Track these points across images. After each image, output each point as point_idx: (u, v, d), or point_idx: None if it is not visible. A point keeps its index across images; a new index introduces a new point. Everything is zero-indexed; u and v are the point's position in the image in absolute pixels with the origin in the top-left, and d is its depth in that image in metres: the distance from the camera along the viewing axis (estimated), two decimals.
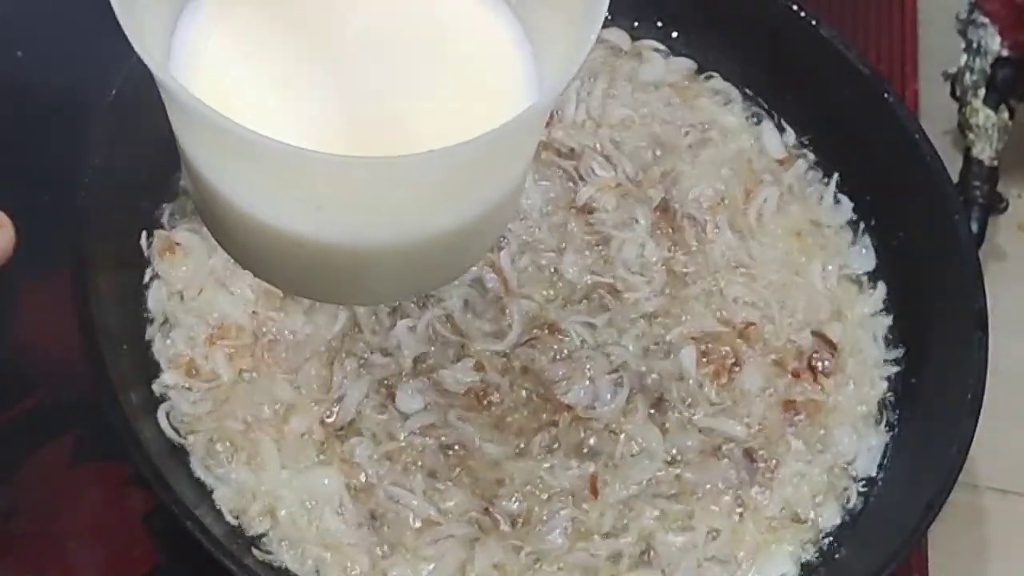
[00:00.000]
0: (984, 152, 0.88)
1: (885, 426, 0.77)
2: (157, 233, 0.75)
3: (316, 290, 0.59)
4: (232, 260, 0.58)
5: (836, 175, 0.83)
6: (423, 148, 0.47)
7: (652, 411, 0.74)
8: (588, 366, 0.74)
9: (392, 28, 0.58)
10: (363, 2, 0.59)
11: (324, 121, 0.54)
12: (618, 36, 0.86)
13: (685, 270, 0.79)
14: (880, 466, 0.75)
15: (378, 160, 0.48)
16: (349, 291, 0.59)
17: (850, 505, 0.74)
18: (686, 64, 0.87)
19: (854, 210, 0.83)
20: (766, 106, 0.85)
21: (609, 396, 0.74)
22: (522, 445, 0.72)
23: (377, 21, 0.58)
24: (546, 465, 0.72)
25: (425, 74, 0.57)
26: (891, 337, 0.79)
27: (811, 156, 0.84)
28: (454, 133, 0.48)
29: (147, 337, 0.73)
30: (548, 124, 0.80)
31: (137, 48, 0.46)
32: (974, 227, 0.85)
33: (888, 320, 0.80)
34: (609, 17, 0.51)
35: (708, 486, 0.73)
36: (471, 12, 0.59)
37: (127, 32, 0.46)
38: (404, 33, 0.58)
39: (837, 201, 0.83)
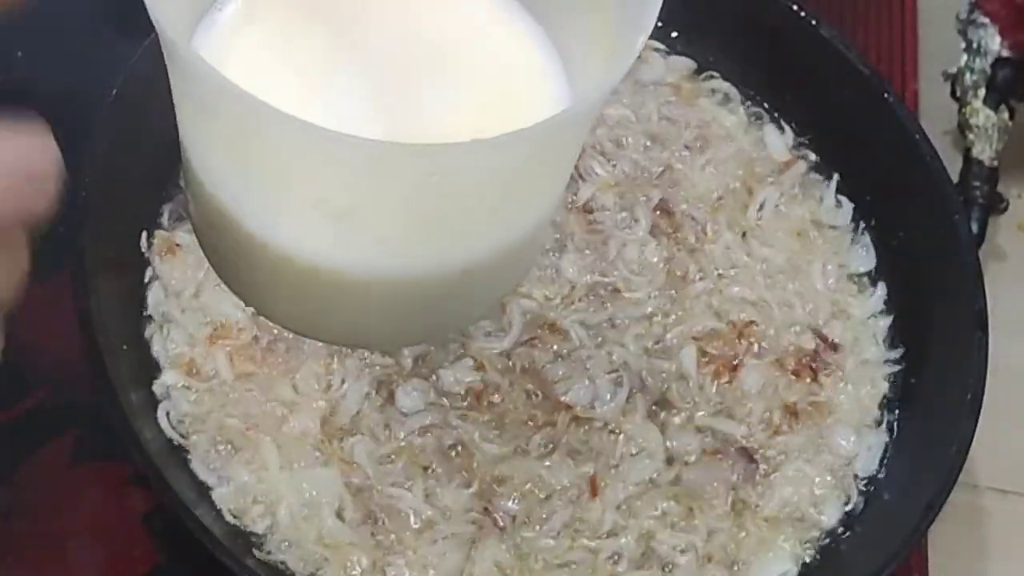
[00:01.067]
0: (984, 152, 0.88)
1: (885, 426, 0.77)
2: (157, 233, 0.75)
3: (333, 327, 0.52)
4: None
5: (836, 175, 0.83)
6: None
7: (652, 411, 0.74)
8: (588, 365, 0.74)
9: (417, 34, 0.55)
10: (390, 5, 0.56)
11: (350, 122, 0.48)
12: None
13: (685, 270, 0.79)
14: (880, 466, 0.75)
15: (417, 147, 0.43)
16: (366, 326, 0.53)
17: (850, 505, 0.74)
18: (686, 64, 0.87)
19: (854, 210, 0.83)
20: (766, 106, 0.85)
21: (609, 396, 0.74)
22: (522, 445, 0.72)
23: (403, 25, 0.56)
24: (546, 464, 0.72)
25: (451, 83, 0.53)
26: (891, 337, 0.79)
27: (812, 156, 0.84)
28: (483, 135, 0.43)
29: (147, 337, 0.73)
30: None
31: (156, 17, 0.42)
32: (974, 227, 0.85)
33: (888, 320, 0.80)
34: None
35: (708, 486, 0.73)
36: (497, 21, 0.56)
37: (148, 4, 0.42)
38: (429, 41, 0.55)
39: (837, 201, 0.83)
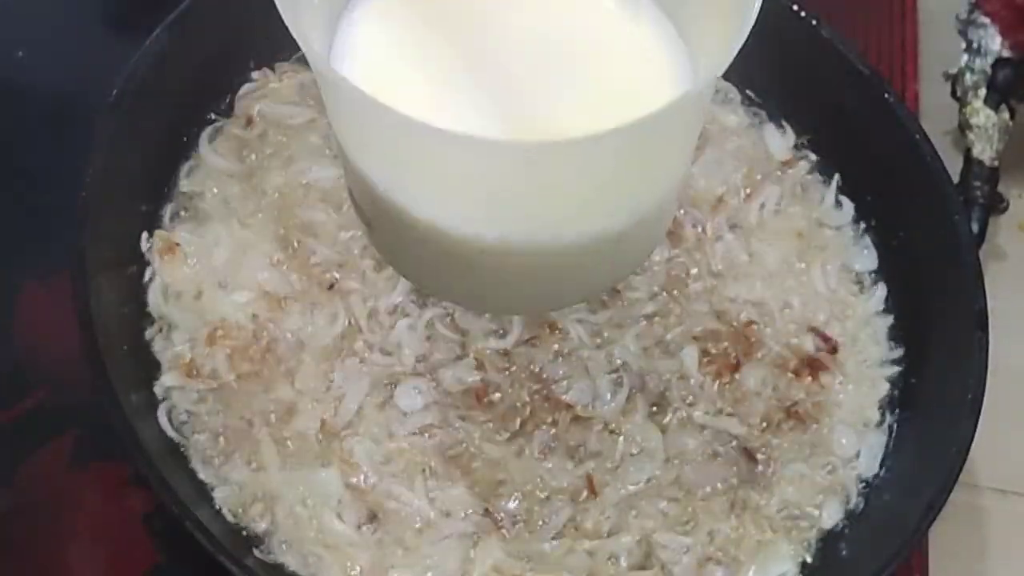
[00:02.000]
0: (984, 152, 0.88)
1: (885, 426, 0.77)
2: (157, 233, 0.75)
3: (501, 300, 0.60)
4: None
5: (836, 175, 0.83)
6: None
7: (652, 410, 0.74)
8: (588, 365, 0.74)
9: (544, 31, 0.60)
10: (515, 5, 0.60)
11: (481, 120, 0.55)
12: None
13: (685, 270, 0.79)
14: (880, 466, 0.75)
15: (555, 144, 0.49)
16: (533, 296, 0.59)
17: (850, 505, 0.74)
18: None
19: (855, 210, 0.83)
20: (766, 106, 0.85)
21: (609, 395, 0.74)
22: (522, 444, 0.72)
23: (530, 23, 0.60)
24: (546, 464, 0.72)
25: (579, 76, 0.59)
26: (891, 337, 0.79)
27: (812, 157, 0.84)
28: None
29: (147, 337, 0.73)
30: None
31: (304, 46, 0.48)
32: (974, 227, 0.85)
33: (888, 320, 0.80)
34: None
35: (708, 486, 0.73)
36: (622, 15, 0.61)
37: (301, 44, 0.48)
38: (558, 37, 0.60)
39: (838, 201, 0.83)
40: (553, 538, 0.70)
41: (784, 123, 0.85)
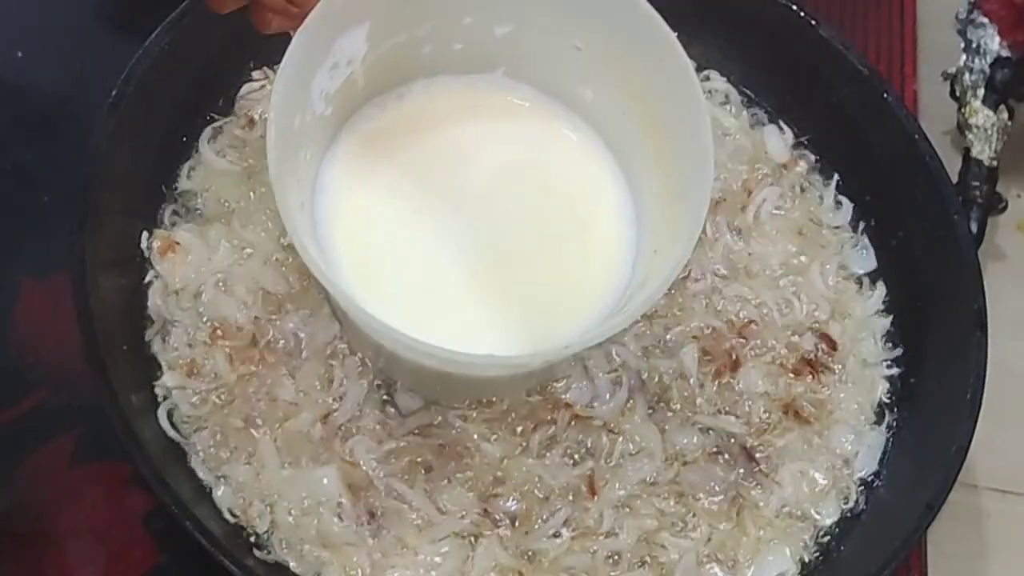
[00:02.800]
0: (983, 152, 0.88)
1: (885, 426, 0.77)
2: (157, 233, 0.75)
3: (454, 396, 0.73)
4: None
5: (836, 175, 0.83)
6: (543, 308, 0.68)
7: (651, 410, 0.74)
8: (588, 365, 0.74)
9: (508, 188, 0.72)
10: (483, 161, 0.72)
11: (450, 274, 0.69)
12: None
13: (685, 269, 0.79)
14: (880, 466, 0.76)
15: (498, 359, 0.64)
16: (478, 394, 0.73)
17: (850, 504, 0.74)
18: None
19: (854, 210, 0.83)
20: (766, 106, 0.85)
21: (608, 395, 0.74)
22: (521, 444, 0.72)
23: (496, 180, 0.72)
24: (545, 464, 0.72)
25: (541, 233, 0.71)
26: (890, 337, 0.79)
27: (812, 157, 0.84)
28: (568, 293, 0.69)
29: (147, 337, 0.73)
30: None
31: (321, 279, 0.61)
32: (973, 227, 0.85)
33: (888, 320, 0.80)
34: None
35: (708, 485, 0.73)
36: (586, 177, 0.73)
37: (306, 261, 0.60)
38: (520, 194, 0.72)
39: (837, 201, 0.83)
40: (552, 537, 0.70)
41: (784, 123, 0.85)
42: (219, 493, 0.69)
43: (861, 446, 0.76)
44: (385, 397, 0.72)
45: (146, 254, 0.75)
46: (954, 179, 0.86)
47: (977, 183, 0.87)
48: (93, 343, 0.67)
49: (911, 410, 0.77)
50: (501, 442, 0.72)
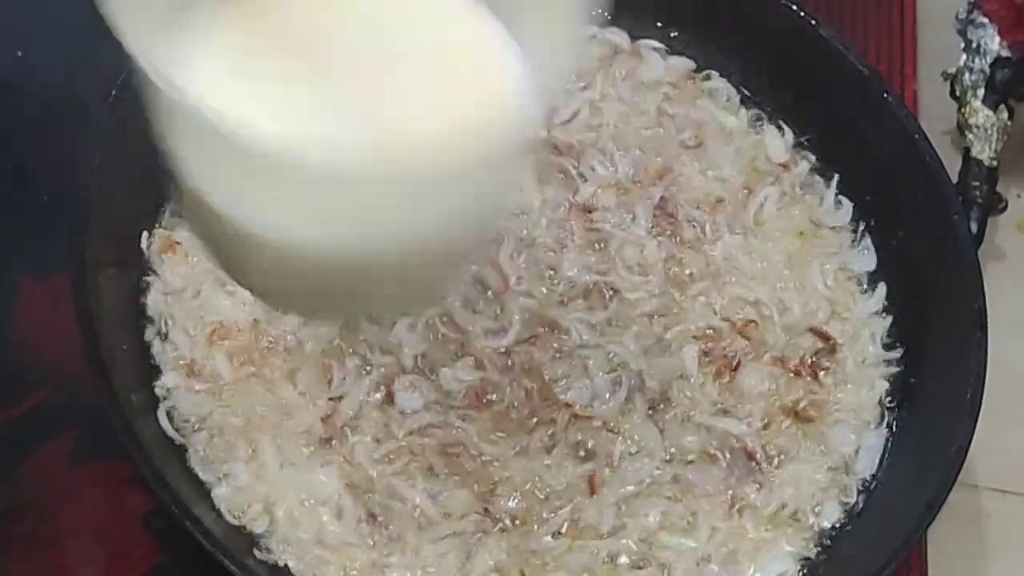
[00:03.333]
0: (983, 152, 0.88)
1: (885, 426, 0.77)
2: (157, 233, 0.75)
3: (319, 303, 0.61)
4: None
5: (836, 175, 0.83)
6: (417, 145, 0.51)
7: (651, 410, 0.74)
8: (587, 364, 0.74)
9: (381, 30, 0.59)
10: (352, 8, 0.60)
11: (324, 122, 0.55)
12: (618, 35, 0.86)
13: (685, 269, 0.79)
14: (880, 466, 0.75)
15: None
16: (352, 300, 0.60)
17: (850, 504, 0.74)
18: (685, 64, 0.87)
19: (854, 210, 0.83)
20: (766, 106, 0.85)
21: (608, 395, 0.74)
22: (521, 444, 0.72)
23: (367, 24, 0.60)
24: (545, 464, 0.72)
25: (417, 74, 0.58)
26: (891, 337, 0.79)
27: (812, 157, 0.84)
28: (447, 131, 0.52)
29: (147, 337, 0.73)
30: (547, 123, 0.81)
31: (146, 67, 0.49)
32: (973, 227, 0.85)
33: (888, 320, 0.80)
34: (608, 16, 0.52)
35: (708, 485, 0.73)
36: (458, 16, 0.61)
37: (135, 53, 0.48)
38: (393, 35, 0.59)
39: (837, 201, 0.83)
40: (552, 538, 0.70)
41: (784, 123, 0.85)
42: (219, 493, 0.69)
43: (861, 446, 0.76)
44: (385, 397, 0.72)
45: (146, 254, 0.75)
46: (954, 179, 0.86)
47: (977, 183, 0.87)
48: (93, 343, 0.67)
49: (911, 410, 0.77)
50: (501, 442, 0.72)
